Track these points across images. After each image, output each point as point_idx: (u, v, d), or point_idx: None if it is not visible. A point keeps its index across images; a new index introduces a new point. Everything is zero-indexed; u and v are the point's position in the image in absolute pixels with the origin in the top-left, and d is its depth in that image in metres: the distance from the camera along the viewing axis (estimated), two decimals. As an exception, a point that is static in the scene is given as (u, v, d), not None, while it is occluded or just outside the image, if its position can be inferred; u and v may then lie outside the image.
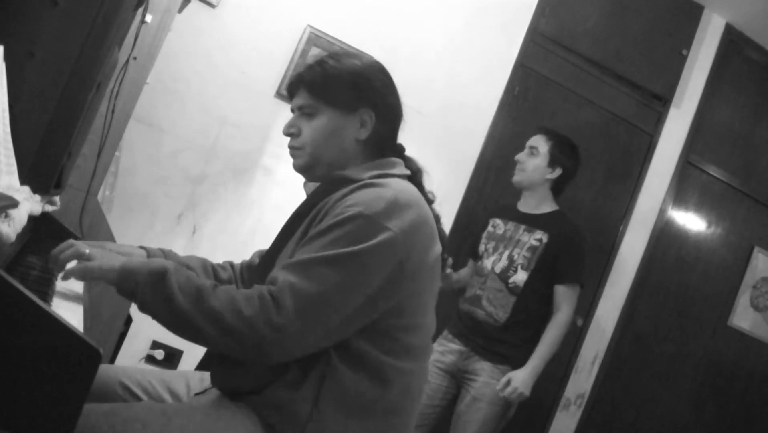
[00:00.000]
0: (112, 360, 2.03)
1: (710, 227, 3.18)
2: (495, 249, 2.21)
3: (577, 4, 2.90)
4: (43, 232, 1.41)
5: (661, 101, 3.05)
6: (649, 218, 3.04)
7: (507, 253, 2.17)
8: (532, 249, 2.13)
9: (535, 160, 2.21)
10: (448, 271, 1.98)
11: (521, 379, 2.01)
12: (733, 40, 3.14)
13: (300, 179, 1.35)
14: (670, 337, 3.10)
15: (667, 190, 3.06)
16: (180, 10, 2.09)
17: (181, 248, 2.44)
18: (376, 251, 0.98)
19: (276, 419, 1.00)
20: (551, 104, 2.92)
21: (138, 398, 1.19)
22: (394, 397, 1.05)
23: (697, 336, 3.14)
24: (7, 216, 0.96)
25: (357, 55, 1.22)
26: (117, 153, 2.04)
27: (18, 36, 1.10)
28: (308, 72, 1.18)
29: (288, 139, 1.20)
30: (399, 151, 1.23)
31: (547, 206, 2.22)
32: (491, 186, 2.83)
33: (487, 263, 2.20)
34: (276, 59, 2.54)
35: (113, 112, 1.80)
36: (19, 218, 1.00)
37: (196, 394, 1.20)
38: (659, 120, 3.06)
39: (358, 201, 1.02)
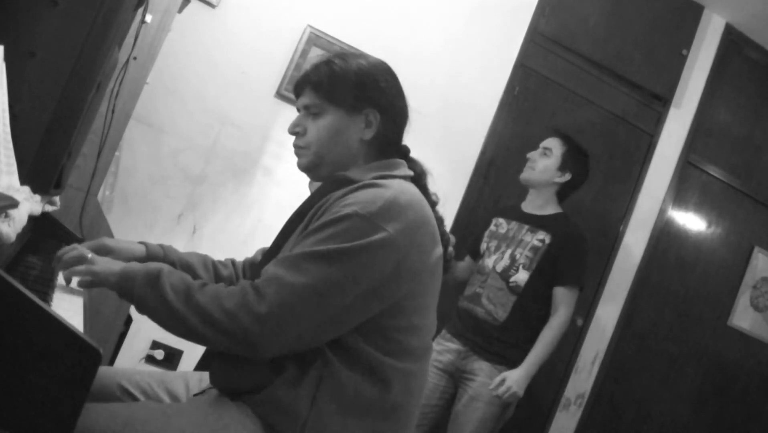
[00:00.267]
0: (112, 360, 2.03)
1: (710, 227, 3.18)
2: (497, 248, 2.21)
3: (577, 4, 2.90)
4: (43, 232, 1.41)
5: (661, 101, 3.05)
6: (649, 218, 3.04)
7: (509, 252, 2.17)
8: (535, 249, 2.13)
9: (546, 161, 2.21)
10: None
11: (515, 378, 2.01)
12: (733, 40, 3.14)
13: (301, 179, 1.35)
14: (670, 337, 3.10)
15: (667, 190, 3.06)
16: (180, 10, 2.09)
17: (181, 247, 2.40)
18: (369, 250, 0.98)
19: (275, 419, 1.01)
20: (551, 104, 2.92)
21: (136, 400, 1.19)
22: (394, 397, 1.05)
23: (697, 336, 3.14)
24: (7, 216, 0.96)
25: (364, 55, 1.22)
26: (117, 153, 2.04)
27: (18, 36, 1.10)
28: (315, 71, 1.18)
29: (292, 138, 1.21)
30: (404, 152, 1.23)
31: (551, 208, 2.22)
32: (491, 186, 2.83)
33: (489, 261, 2.20)
34: (276, 59, 2.54)
35: (113, 112, 1.80)
36: (19, 218, 1.00)
37: (195, 394, 1.20)
38: (659, 120, 3.06)
39: (355, 201, 1.02)
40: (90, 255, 1.07)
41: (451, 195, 2.75)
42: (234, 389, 1.07)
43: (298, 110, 1.21)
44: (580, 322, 2.95)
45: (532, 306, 2.12)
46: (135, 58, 1.84)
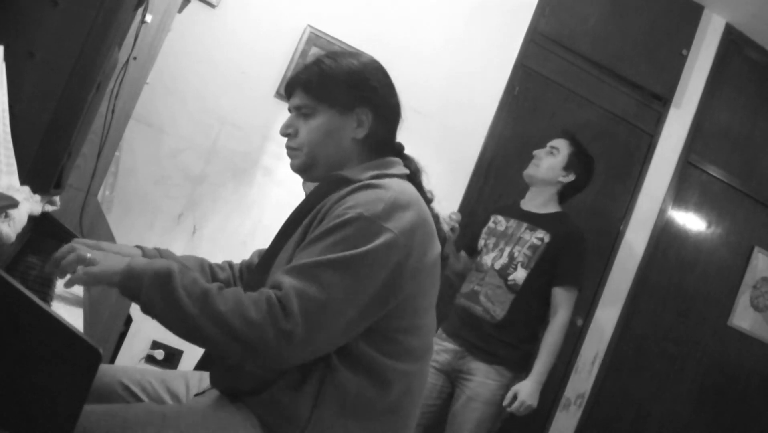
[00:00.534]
0: (112, 360, 2.03)
1: (710, 227, 3.18)
2: (495, 245, 2.20)
3: (577, 4, 2.90)
4: (43, 232, 1.41)
5: (661, 101, 3.05)
6: (649, 218, 3.04)
7: (508, 250, 2.16)
8: (534, 248, 2.13)
9: (552, 160, 2.22)
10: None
11: (528, 391, 2.01)
12: (733, 40, 3.14)
13: (300, 179, 1.35)
14: (670, 337, 3.10)
15: (667, 190, 3.06)
16: (180, 10, 2.09)
17: (181, 248, 2.44)
18: (378, 252, 0.97)
19: (276, 421, 1.00)
20: (551, 104, 2.92)
21: (137, 398, 1.19)
22: (395, 398, 1.05)
23: (697, 336, 3.14)
24: (7, 216, 0.96)
25: (355, 54, 1.21)
26: (117, 153, 2.04)
27: (18, 36, 1.10)
28: (305, 72, 1.17)
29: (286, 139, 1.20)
30: (398, 150, 1.22)
31: (551, 207, 2.22)
32: (491, 186, 2.83)
33: (487, 259, 2.19)
34: (276, 59, 2.54)
35: (113, 112, 1.80)
36: (19, 217, 1.00)
37: (196, 394, 1.20)
38: (659, 120, 3.05)
39: (357, 203, 1.01)
40: (89, 255, 1.01)
41: (451, 195, 2.75)
42: (234, 390, 1.07)
43: (290, 111, 1.20)
44: (580, 322, 2.95)
45: (530, 305, 2.11)
46: (135, 58, 1.84)
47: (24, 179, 1.09)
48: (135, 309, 1.01)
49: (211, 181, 2.50)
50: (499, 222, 2.26)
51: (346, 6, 2.61)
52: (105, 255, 1.03)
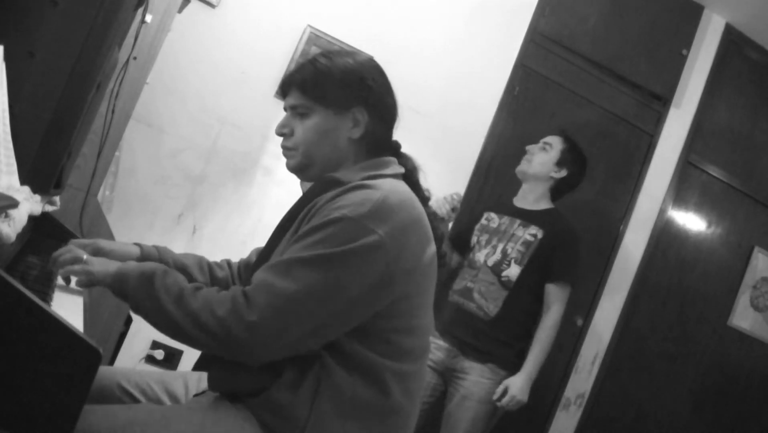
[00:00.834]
0: (112, 360, 2.03)
1: (710, 227, 3.18)
2: (488, 242, 2.20)
3: (577, 4, 2.90)
4: (43, 232, 1.41)
5: (661, 101, 3.05)
6: (649, 218, 3.04)
7: (501, 246, 2.16)
8: (527, 244, 2.13)
9: (544, 156, 2.22)
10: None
11: (518, 386, 2.01)
12: (733, 40, 3.14)
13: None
14: (670, 337, 3.10)
15: (667, 190, 3.06)
16: (180, 10, 2.09)
17: (181, 248, 2.44)
18: (359, 253, 0.97)
19: (274, 422, 1.00)
20: (551, 104, 2.92)
21: (136, 400, 1.19)
22: (393, 399, 1.05)
23: (697, 336, 3.14)
24: (7, 216, 0.96)
25: (351, 53, 1.20)
26: (117, 153, 2.04)
27: (18, 36, 1.10)
28: (300, 71, 1.16)
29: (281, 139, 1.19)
30: (395, 149, 1.21)
31: (544, 204, 2.22)
32: (491, 186, 2.83)
33: (479, 255, 2.19)
34: (276, 59, 2.54)
35: (113, 112, 1.80)
36: (19, 217, 1.00)
37: (195, 395, 1.20)
38: (659, 120, 3.05)
39: (344, 203, 1.01)
40: (85, 256, 1.07)
41: (451, 195, 2.74)
42: (232, 392, 1.06)
43: (286, 110, 1.19)
44: (580, 322, 2.95)
45: (523, 301, 2.11)
46: (135, 58, 1.84)
47: (24, 179, 1.09)
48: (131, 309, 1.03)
49: (211, 181, 2.50)
50: (491, 219, 2.26)
51: (346, 6, 2.61)
52: (99, 259, 1.09)
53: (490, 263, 2.15)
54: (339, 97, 1.14)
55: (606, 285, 2.98)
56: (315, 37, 2.55)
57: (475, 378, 2.06)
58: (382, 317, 1.02)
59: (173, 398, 1.21)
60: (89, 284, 1.04)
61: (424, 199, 1.16)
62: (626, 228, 3.01)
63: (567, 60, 2.93)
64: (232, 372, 1.05)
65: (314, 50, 2.54)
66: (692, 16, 3.04)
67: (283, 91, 1.19)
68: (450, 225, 2.22)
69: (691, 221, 3.15)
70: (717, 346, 3.16)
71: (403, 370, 1.06)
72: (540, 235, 2.12)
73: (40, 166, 1.18)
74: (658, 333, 3.08)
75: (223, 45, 2.47)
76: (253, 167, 2.54)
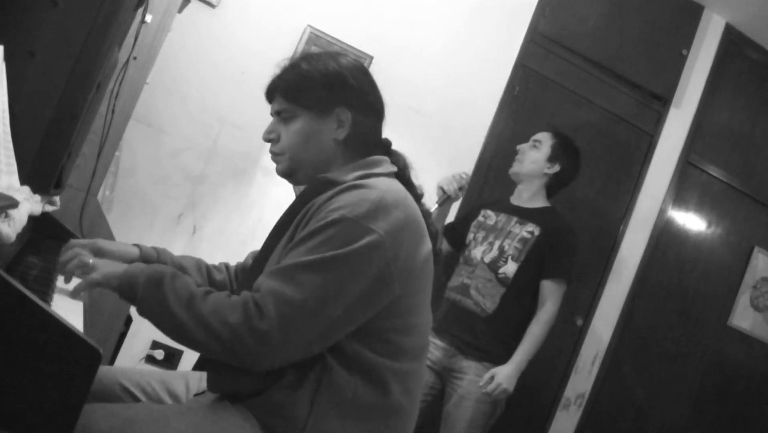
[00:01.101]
0: (112, 360, 2.03)
1: (710, 227, 3.18)
2: (484, 239, 2.21)
3: (577, 4, 2.90)
4: (43, 232, 1.41)
5: (661, 101, 3.05)
6: (649, 218, 3.04)
7: (498, 243, 2.17)
8: (524, 241, 2.13)
9: (535, 153, 2.23)
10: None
11: (505, 375, 2.01)
12: (733, 40, 3.14)
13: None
14: (670, 337, 3.10)
15: (667, 190, 3.06)
16: (180, 10, 2.09)
17: (181, 248, 2.44)
18: (361, 254, 0.97)
19: (274, 422, 1.00)
20: (551, 104, 2.92)
21: (137, 399, 1.19)
22: (393, 398, 1.05)
23: (697, 336, 3.14)
24: (7, 216, 0.96)
25: (334, 55, 1.20)
26: (117, 153, 2.04)
27: (18, 36, 1.10)
28: (282, 76, 1.18)
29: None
30: (385, 147, 1.21)
31: (540, 201, 2.23)
32: (491, 186, 2.83)
33: (476, 252, 2.20)
34: (276, 59, 2.53)
35: (113, 112, 1.80)
36: (19, 217, 1.00)
37: (196, 394, 1.20)
38: (659, 120, 3.06)
39: (341, 204, 1.01)
40: (91, 261, 1.06)
41: (451, 195, 2.74)
42: (232, 394, 1.06)
43: (272, 116, 1.20)
44: (580, 322, 2.95)
45: (520, 298, 2.11)
46: (135, 58, 1.84)
47: (24, 179, 1.09)
48: (135, 309, 1.03)
49: (211, 181, 2.50)
50: (488, 216, 2.27)
51: (346, 6, 2.61)
52: (105, 262, 1.08)
53: (486, 259, 2.16)
54: (321, 99, 1.14)
55: (606, 285, 2.98)
56: (315, 37, 2.55)
57: (472, 378, 2.06)
58: (382, 316, 1.03)
59: (174, 397, 1.21)
60: (96, 286, 1.04)
61: (417, 196, 1.16)
62: (626, 228, 3.01)
63: (567, 60, 2.93)
64: (232, 374, 1.05)
65: (314, 50, 2.54)
66: (692, 16, 3.04)
67: (268, 97, 1.20)
68: (459, 203, 2.19)
69: (691, 221, 3.15)
70: (717, 346, 3.17)
71: (402, 369, 1.06)
72: (537, 232, 2.13)
73: (40, 166, 1.18)
74: (658, 333, 3.08)
75: (223, 45, 2.47)
76: (253, 167, 2.54)
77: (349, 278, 0.97)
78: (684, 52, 3.03)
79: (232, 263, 1.45)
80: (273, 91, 1.19)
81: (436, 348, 2.15)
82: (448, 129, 2.74)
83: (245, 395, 1.04)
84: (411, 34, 2.69)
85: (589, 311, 2.96)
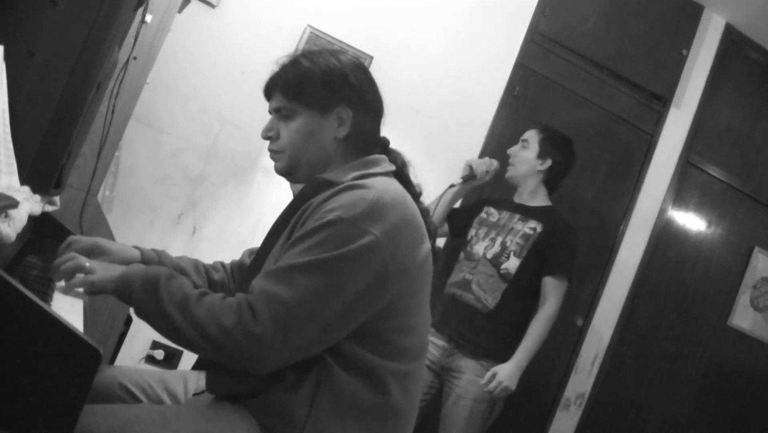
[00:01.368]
0: (112, 360, 2.03)
1: (710, 226, 3.18)
2: (486, 235, 2.21)
3: (577, 4, 2.90)
4: (43, 232, 1.41)
5: (661, 101, 3.05)
6: (649, 218, 3.04)
7: (500, 239, 2.17)
8: (526, 237, 2.14)
9: (525, 153, 2.25)
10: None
11: (507, 373, 2.01)
12: (733, 40, 3.14)
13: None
14: (670, 337, 3.10)
15: (667, 190, 3.06)
16: (180, 10, 2.09)
17: (181, 248, 2.44)
18: (357, 255, 0.96)
19: (273, 422, 1.00)
20: (551, 104, 2.92)
21: (136, 399, 1.19)
22: (392, 399, 1.05)
23: (697, 336, 3.14)
24: (7, 216, 0.96)
25: (334, 52, 1.19)
26: (117, 153, 2.04)
27: (18, 36, 1.10)
28: (282, 73, 1.16)
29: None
30: (383, 145, 1.21)
31: (540, 200, 2.25)
32: (491, 185, 2.82)
33: (478, 248, 2.20)
34: (276, 59, 2.54)
35: (113, 112, 1.80)
36: (19, 218, 1.00)
37: (195, 394, 1.20)
38: (659, 120, 3.05)
39: (338, 205, 1.00)
40: (87, 264, 1.05)
41: (451, 195, 2.74)
42: (231, 395, 1.06)
43: (270, 113, 1.19)
44: (580, 322, 2.95)
45: (522, 294, 2.11)
46: (135, 58, 1.84)
47: (24, 179, 1.09)
48: (134, 313, 1.03)
49: (211, 181, 2.50)
50: (491, 213, 2.28)
51: (346, 6, 2.61)
52: (102, 264, 1.07)
53: (489, 255, 2.16)
54: (321, 97, 1.13)
55: (606, 285, 2.98)
56: (315, 37, 2.55)
57: (471, 377, 2.06)
58: (380, 317, 1.02)
59: (173, 397, 1.21)
60: (92, 293, 1.03)
61: (415, 194, 1.16)
62: (626, 228, 3.01)
63: (567, 60, 2.93)
64: (231, 375, 1.05)
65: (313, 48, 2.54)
66: (692, 16, 3.04)
67: (267, 94, 1.19)
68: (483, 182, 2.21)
69: (691, 221, 3.15)
70: (717, 346, 3.16)
71: (402, 370, 1.06)
72: (539, 229, 2.14)
73: (40, 166, 1.18)
74: (658, 333, 3.08)
75: (223, 45, 2.47)
76: (253, 167, 2.54)
77: (345, 279, 0.96)
78: (684, 52, 3.03)
79: (226, 262, 1.44)
80: (272, 89, 1.17)
81: (434, 347, 2.16)
82: (448, 129, 2.74)
83: (244, 395, 1.04)
84: (411, 34, 2.69)
85: (589, 311, 2.96)
